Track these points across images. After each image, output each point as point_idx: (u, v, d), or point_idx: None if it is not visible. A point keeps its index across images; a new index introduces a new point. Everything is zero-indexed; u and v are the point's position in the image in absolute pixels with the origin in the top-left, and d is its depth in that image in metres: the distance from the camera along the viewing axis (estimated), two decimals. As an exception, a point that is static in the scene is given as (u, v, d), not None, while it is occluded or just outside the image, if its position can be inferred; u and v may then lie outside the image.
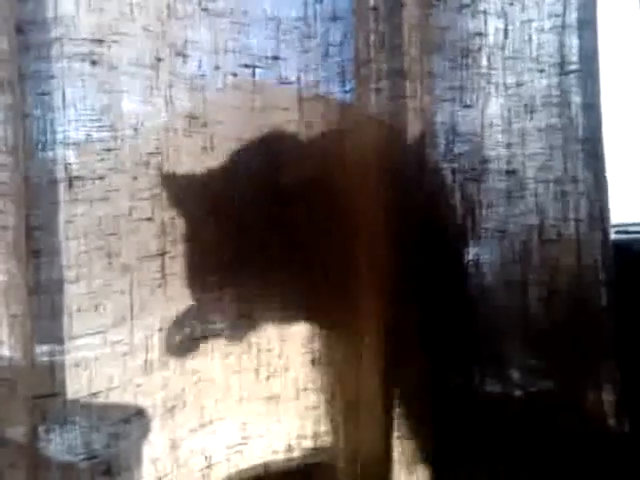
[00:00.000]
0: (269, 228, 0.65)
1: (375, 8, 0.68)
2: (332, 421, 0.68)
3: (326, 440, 0.68)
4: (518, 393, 0.71)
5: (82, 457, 0.55)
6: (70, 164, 0.55)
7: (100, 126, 0.56)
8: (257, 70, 0.65)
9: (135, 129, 0.58)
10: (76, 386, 0.54)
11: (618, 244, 0.72)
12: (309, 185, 0.66)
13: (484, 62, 0.71)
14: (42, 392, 0.53)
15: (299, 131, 0.66)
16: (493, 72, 0.72)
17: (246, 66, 0.65)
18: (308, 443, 0.68)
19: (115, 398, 0.56)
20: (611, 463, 0.67)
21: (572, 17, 0.72)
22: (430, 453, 0.70)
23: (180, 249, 0.61)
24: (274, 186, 0.65)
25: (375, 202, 0.66)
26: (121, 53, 0.57)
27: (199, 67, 0.63)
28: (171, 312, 0.61)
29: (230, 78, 0.64)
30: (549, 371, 0.71)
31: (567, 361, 0.70)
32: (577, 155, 0.71)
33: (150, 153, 0.59)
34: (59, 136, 0.55)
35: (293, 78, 0.66)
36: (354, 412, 0.67)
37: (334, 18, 0.68)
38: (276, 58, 0.66)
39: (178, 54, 0.62)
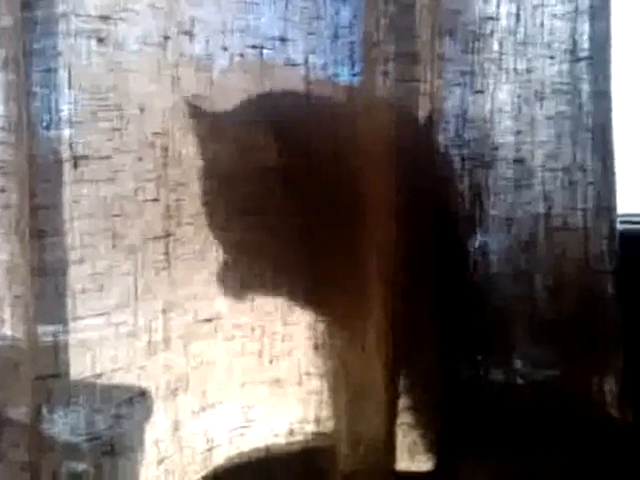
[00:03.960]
0: (275, 211, 0.65)
1: (386, -10, 0.67)
2: (335, 406, 0.68)
3: (328, 425, 0.68)
4: (523, 382, 0.71)
5: (85, 438, 0.55)
6: (75, 143, 0.54)
7: (106, 105, 0.55)
8: (264, 51, 0.64)
9: (141, 109, 0.57)
10: (79, 367, 0.54)
11: (624, 234, 0.72)
12: (316, 168, 0.65)
13: (495, 47, 0.70)
14: (45, 373, 0.53)
15: (306, 114, 0.66)
16: (504, 57, 0.71)
17: (253, 47, 0.64)
18: (310, 427, 0.68)
19: (118, 379, 0.56)
20: (614, 453, 0.67)
21: (585, 3, 0.71)
22: (434, 441, 0.70)
23: (184, 231, 0.61)
24: (280, 169, 0.65)
25: (383, 187, 0.66)
26: (128, 31, 0.56)
27: (206, 47, 0.62)
28: (175, 294, 0.61)
29: (237, 59, 0.64)
30: (554, 360, 0.71)
31: (572, 350, 0.70)
32: (586, 144, 0.71)
33: (156, 133, 0.59)
34: (64, 114, 0.54)
35: (301, 60, 0.65)
36: (357, 398, 0.67)
37: (344, -1, 0.67)
38: (284, 39, 0.65)
39: (185, 33, 0.61)
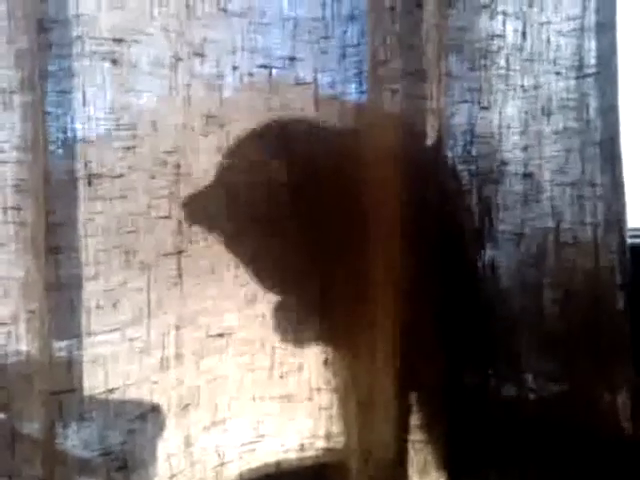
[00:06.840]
0: (283, 227, 0.65)
1: (392, 8, 0.68)
2: (345, 422, 0.68)
3: (339, 440, 0.68)
4: (533, 396, 0.71)
5: (98, 453, 0.56)
6: (89, 162, 0.55)
7: (119, 124, 0.57)
8: (274, 70, 0.65)
9: (154, 128, 0.59)
10: (93, 382, 0.55)
11: (634, 248, 0.72)
12: (324, 184, 0.66)
13: (502, 64, 0.71)
14: (59, 388, 0.54)
15: (315, 132, 0.66)
16: (511, 74, 0.71)
17: (263, 66, 0.65)
18: (321, 443, 0.68)
19: (131, 395, 0.57)
20: (626, 467, 0.66)
21: (591, 19, 0.71)
22: (444, 456, 0.70)
23: (196, 247, 0.62)
24: (289, 185, 0.65)
25: (390, 203, 0.66)
26: (141, 52, 0.58)
27: (217, 67, 0.63)
28: (187, 310, 0.61)
29: (247, 78, 0.65)
30: (564, 374, 0.70)
31: (582, 364, 0.69)
32: (594, 158, 0.71)
33: (168, 152, 0.60)
34: (79, 134, 0.55)
35: (310, 78, 0.66)
36: (367, 413, 0.67)
37: (351, 18, 0.68)
38: (293, 58, 0.66)
39: (196, 54, 0.62)
